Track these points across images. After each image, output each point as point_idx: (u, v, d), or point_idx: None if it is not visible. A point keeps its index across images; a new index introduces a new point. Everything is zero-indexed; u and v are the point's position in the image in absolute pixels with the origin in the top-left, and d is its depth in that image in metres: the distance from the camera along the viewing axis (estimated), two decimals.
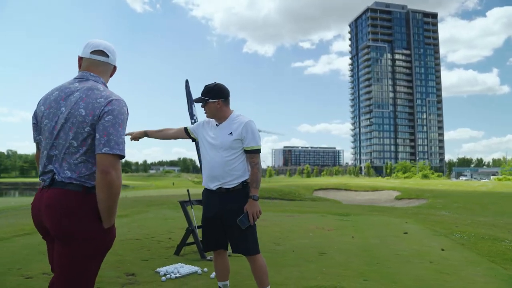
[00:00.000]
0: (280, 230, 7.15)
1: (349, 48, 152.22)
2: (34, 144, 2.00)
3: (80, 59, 1.97)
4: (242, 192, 2.81)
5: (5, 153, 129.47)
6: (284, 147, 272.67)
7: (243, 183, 2.82)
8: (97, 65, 1.96)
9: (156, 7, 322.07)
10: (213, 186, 2.85)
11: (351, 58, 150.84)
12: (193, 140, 3.18)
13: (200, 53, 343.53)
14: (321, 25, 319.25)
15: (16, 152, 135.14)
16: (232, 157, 2.79)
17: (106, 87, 1.95)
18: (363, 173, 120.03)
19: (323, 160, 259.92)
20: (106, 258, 4.39)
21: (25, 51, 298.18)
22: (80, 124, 1.76)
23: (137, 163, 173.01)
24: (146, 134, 3.22)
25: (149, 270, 4.09)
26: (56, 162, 1.80)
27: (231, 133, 2.80)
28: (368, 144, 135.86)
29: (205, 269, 4.09)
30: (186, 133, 3.15)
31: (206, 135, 2.94)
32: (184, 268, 4.06)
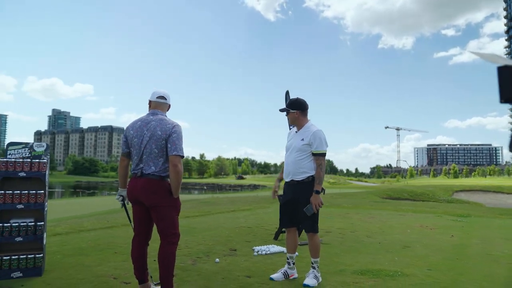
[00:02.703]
0: (380, 226, 7.52)
1: (505, 28, 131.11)
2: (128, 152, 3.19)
3: (150, 102, 3.21)
4: (309, 185, 3.63)
5: None
6: (428, 145, 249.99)
7: (309, 178, 3.64)
8: (160, 105, 3.19)
9: (288, 14, 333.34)
10: (287, 178, 3.77)
11: (507, 39, 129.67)
12: None
13: (334, 54, 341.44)
14: (467, 7, 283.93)
15: None
16: (301, 157, 3.66)
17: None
18: None
19: (476, 159, 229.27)
20: (218, 239, 5.70)
21: (177, 67, 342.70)
22: (158, 139, 2.99)
23: (275, 164, 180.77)
24: (279, 179, 4.09)
25: (248, 248, 5.19)
26: (145, 162, 3.03)
27: (302, 139, 3.68)
28: None
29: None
30: None
31: (288, 139, 3.89)
32: (274, 248, 5.04)
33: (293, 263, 3.80)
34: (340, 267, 4.18)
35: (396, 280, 3.72)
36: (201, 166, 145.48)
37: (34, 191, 3.67)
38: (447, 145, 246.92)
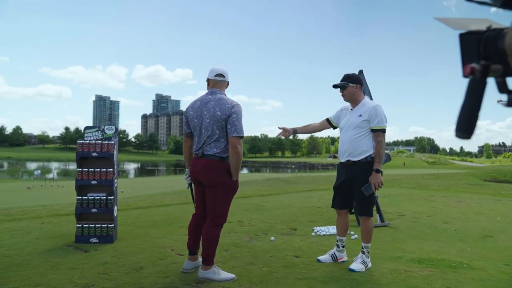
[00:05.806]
0: (465, 212, 6.85)
1: None
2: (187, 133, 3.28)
3: (208, 80, 3.18)
4: (366, 165, 3.46)
5: (259, 136, 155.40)
6: None
7: (368, 158, 3.47)
8: (218, 83, 3.14)
9: None
10: (342, 159, 3.62)
11: None
12: (334, 128, 3.94)
13: (437, 23, 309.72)
14: None
15: (267, 135, 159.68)
16: (358, 135, 3.48)
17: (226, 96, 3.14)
18: None
19: None
20: (282, 217, 5.78)
21: (286, 51, 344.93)
22: (218, 120, 2.98)
23: None
24: (295, 131, 4.03)
25: (309, 228, 5.17)
26: (206, 143, 3.05)
27: (360, 115, 3.50)
28: None
29: (351, 232, 4.85)
30: (328, 123, 3.95)
31: (342, 119, 3.72)
32: (335, 229, 4.90)
33: (343, 246, 3.71)
34: (398, 253, 3.95)
35: (457, 272, 3.37)
36: (293, 145, 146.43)
37: (104, 169, 4.15)
38: None
